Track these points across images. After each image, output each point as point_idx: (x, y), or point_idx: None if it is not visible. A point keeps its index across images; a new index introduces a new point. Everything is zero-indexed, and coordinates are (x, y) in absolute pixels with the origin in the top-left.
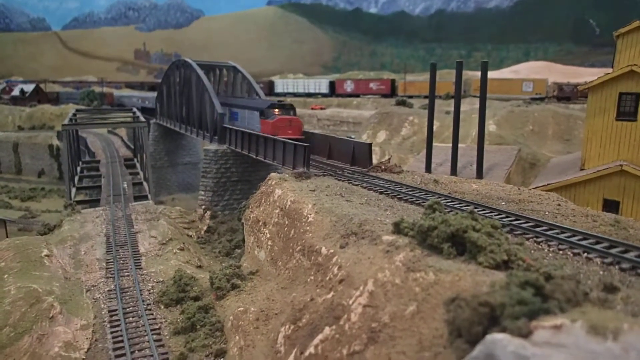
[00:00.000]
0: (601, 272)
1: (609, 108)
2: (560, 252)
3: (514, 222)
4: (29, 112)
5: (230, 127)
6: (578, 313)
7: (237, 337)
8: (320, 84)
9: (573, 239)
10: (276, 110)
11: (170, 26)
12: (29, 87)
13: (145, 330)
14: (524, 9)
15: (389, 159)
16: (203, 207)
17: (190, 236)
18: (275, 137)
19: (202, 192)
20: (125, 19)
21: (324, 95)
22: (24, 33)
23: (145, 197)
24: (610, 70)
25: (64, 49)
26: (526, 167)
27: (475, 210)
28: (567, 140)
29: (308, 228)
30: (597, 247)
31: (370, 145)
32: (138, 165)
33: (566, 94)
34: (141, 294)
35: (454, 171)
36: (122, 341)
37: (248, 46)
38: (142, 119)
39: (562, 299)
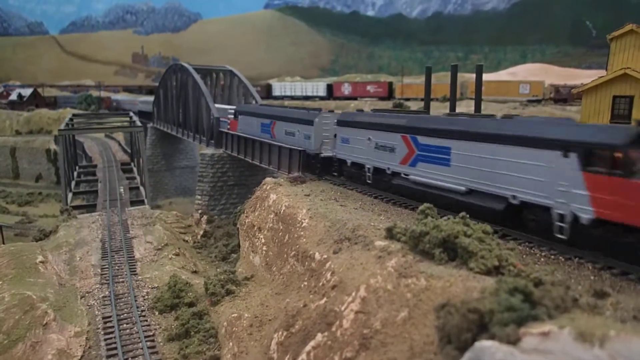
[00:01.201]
0: (592, 277)
1: (603, 111)
2: (552, 256)
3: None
4: (27, 116)
5: (227, 131)
6: (566, 319)
7: (231, 344)
8: (318, 87)
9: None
10: None
11: (168, 30)
12: (27, 92)
13: (139, 337)
14: (521, 10)
15: None
16: (199, 211)
17: (187, 241)
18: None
19: (199, 197)
20: (123, 23)
21: (321, 98)
22: (22, 37)
23: (142, 202)
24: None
25: (62, 53)
26: None
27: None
28: None
29: (302, 233)
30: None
31: None
32: (135, 169)
33: (563, 96)
34: (136, 300)
35: None
36: (115, 348)
37: (246, 49)
38: (138, 123)
39: (551, 305)
